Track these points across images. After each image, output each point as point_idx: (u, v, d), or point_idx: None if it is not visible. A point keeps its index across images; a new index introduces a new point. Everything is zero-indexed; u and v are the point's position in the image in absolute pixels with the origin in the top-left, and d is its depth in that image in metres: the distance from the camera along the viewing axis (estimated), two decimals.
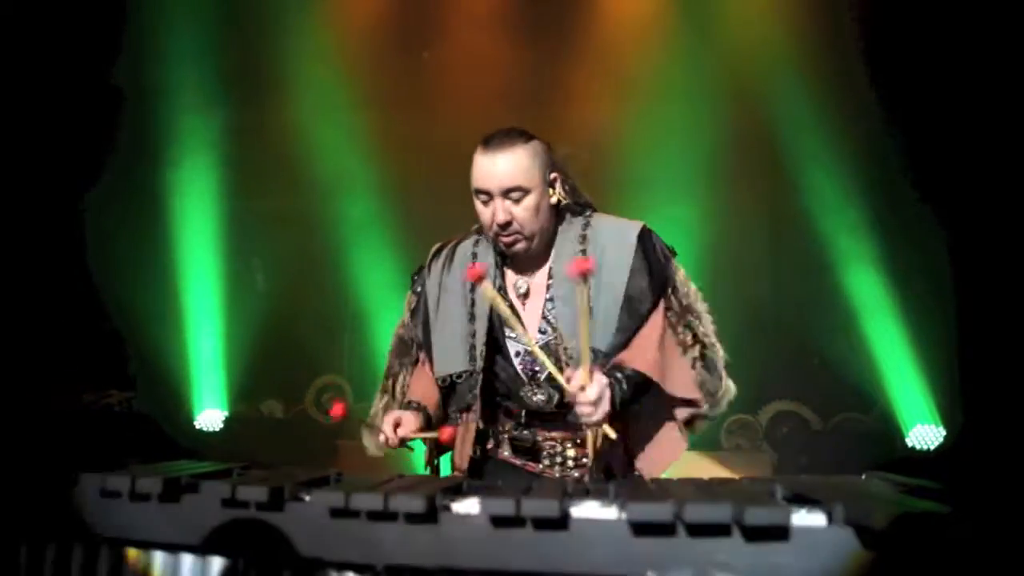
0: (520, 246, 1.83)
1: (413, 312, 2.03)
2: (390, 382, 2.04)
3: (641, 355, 1.78)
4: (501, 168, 1.77)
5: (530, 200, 1.78)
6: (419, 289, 2.03)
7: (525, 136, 1.82)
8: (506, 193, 1.77)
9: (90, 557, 1.28)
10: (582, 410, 1.60)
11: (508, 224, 1.78)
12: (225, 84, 5.72)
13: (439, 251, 2.02)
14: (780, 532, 1.03)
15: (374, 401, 2.07)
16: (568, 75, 5.67)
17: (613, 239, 1.86)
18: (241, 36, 5.65)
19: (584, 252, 1.84)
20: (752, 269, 5.58)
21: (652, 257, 1.86)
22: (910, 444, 5.16)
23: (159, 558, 1.25)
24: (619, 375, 1.72)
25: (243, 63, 5.69)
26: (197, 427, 5.66)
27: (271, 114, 5.77)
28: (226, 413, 5.73)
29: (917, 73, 4.85)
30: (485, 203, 1.80)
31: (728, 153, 5.37)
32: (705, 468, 5.02)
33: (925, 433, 5.12)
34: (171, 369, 5.62)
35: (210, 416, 5.70)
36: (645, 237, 1.86)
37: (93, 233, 5.38)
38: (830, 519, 1.06)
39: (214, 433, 5.65)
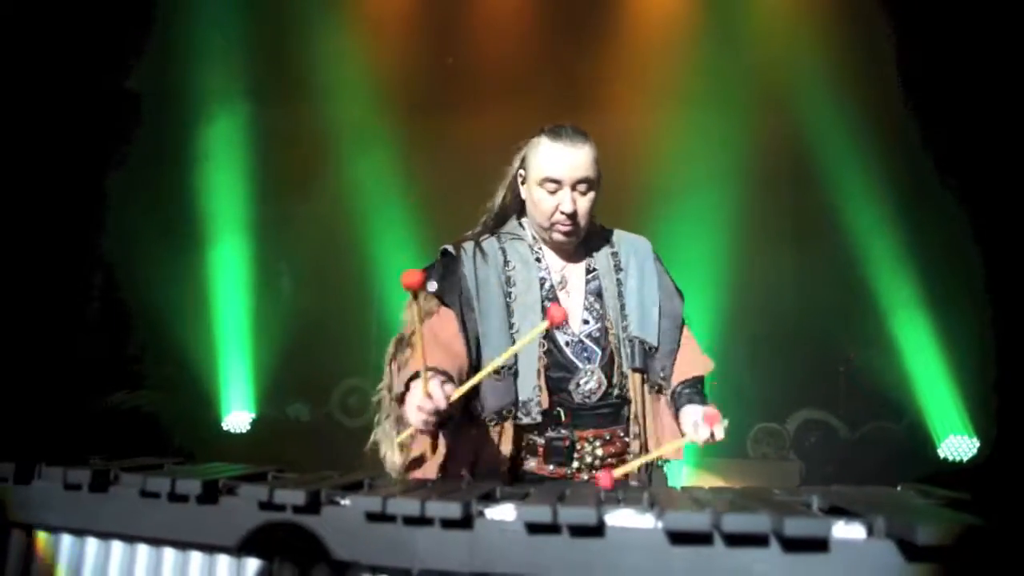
0: (574, 238, 1.91)
1: (445, 295, 1.86)
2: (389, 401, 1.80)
3: (696, 360, 1.97)
4: (578, 159, 1.84)
5: (593, 194, 1.89)
6: (455, 276, 1.88)
7: (586, 133, 1.90)
8: (576, 184, 1.85)
9: (128, 555, 1.31)
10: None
11: (574, 214, 1.85)
12: (253, 88, 5.79)
13: (459, 247, 1.92)
14: (819, 544, 1.02)
15: (379, 421, 1.84)
16: (594, 82, 5.66)
17: (634, 247, 2.03)
18: (269, 41, 5.71)
19: (615, 254, 2.00)
20: (780, 276, 5.52)
21: (664, 268, 2.05)
22: (942, 455, 5.06)
23: (196, 559, 1.26)
24: (697, 397, 1.88)
25: (271, 67, 5.75)
26: (224, 428, 5.72)
27: (299, 118, 5.83)
28: (253, 415, 5.78)
29: (950, 77, 4.78)
30: (552, 192, 1.85)
31: (755, 160, 5.33)
32: (732, 476, 4.98)
33: (958, 444, 5.03)
34: (199, 371, 5.68)
35: (237, 418, 5.76)
36: (655, 254, 2.05)
37: (120, 237, 5.46)
38: (870, 532, 1.05)
39: (241, 435, 5.70)
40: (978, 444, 4.99)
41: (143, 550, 1.29)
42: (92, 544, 1.32)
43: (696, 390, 1.92)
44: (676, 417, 1.89)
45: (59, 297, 5.05)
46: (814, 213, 5.46)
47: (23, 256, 4.80)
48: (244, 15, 5.62)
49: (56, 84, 5.05)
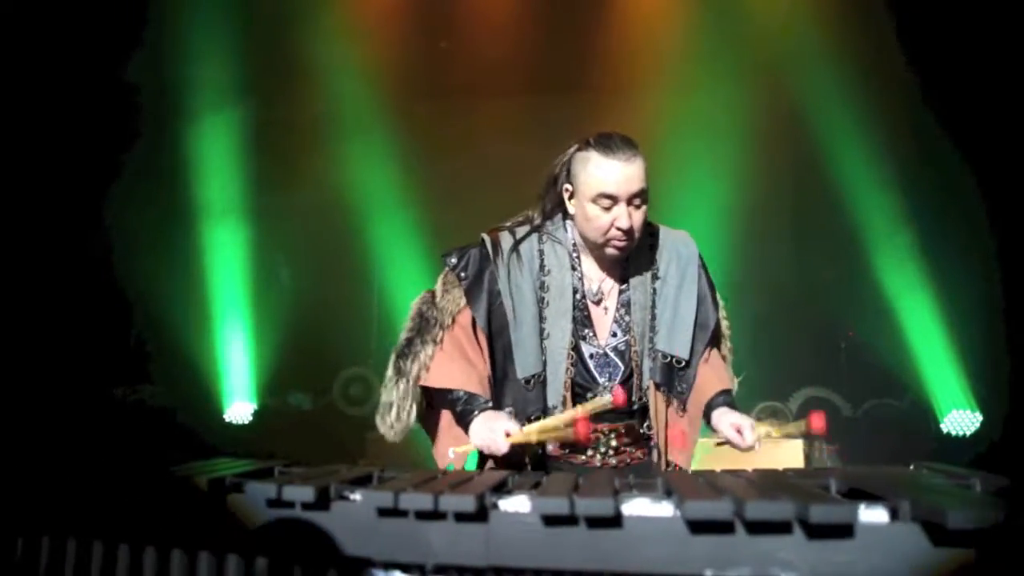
0: (628, 251, 1.88)
1: (471, 295, 1.89)
2: (409, 363, 1.87)
3: (720, 372, 2.02)
4: (632, 174, 1.80)
5: (645, 206, 1.85)
6: (484, 277, 1.90)
7: (635, 142, 1.85)
8: (631, 199, 1.80)
9: (136, 556, 1.28)
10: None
11: (630, 229, 1.82)
12: (248, 79, 5.73)
13: (496, 244, 1.92)
14: (844, 530, 1.00)
15: (386, 385, 1.90)
16: (590, 61, 5.60)
17: (678, 251, 1.98)
18: (263, 32, 5.64)
19: (655, 261, 1.97)
20: (780, 253, 5.49)
21: (708, 277, 2.03)
22: (945, 430, 5.06)
23: (204, 559, 1.24)
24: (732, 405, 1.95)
25: (266, 57, 5.68)
26: (226, 420, 5.70)
27: (295, 109, 5.77)
28: (255, 406, 5.77)
29: (950, 49, 4.71)
30: (607, 208, 1.81)
31: (754, 137, 5.28)
32: (735, 456, 4.96)
33: (961, 419, 5.02)
34: (200, 363, 5.67)
35: (239, 409, 5.75)
36: (700, 256, 2.02)
37: (119, 230, 5.43)
38: (894, 515, 1.02)
39: (243, 426, 5.69)
40: (981, 418, 4.99)
41: (150, 552, 1.26)
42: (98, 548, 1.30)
43: (728, 400, 1.95)
44: (707, 417, 1.93)
45: (58, 292, 5.01)
46: (813, 189, 5.42)
47: (22, 253, 4.77)
48: (238, 7, 5.55)
49: (53, 79, 5.00)
